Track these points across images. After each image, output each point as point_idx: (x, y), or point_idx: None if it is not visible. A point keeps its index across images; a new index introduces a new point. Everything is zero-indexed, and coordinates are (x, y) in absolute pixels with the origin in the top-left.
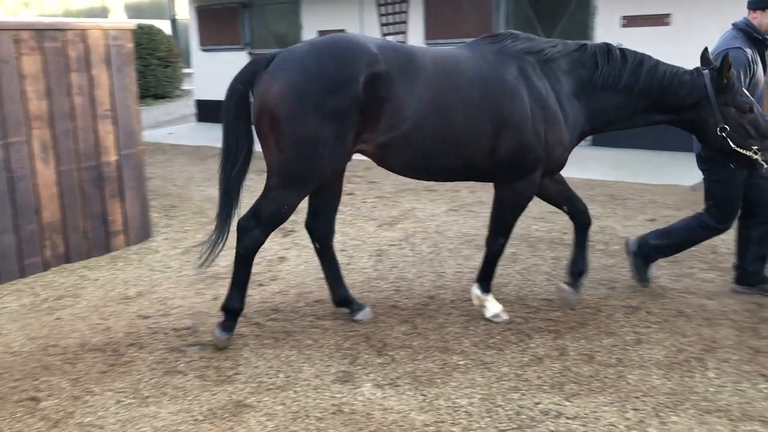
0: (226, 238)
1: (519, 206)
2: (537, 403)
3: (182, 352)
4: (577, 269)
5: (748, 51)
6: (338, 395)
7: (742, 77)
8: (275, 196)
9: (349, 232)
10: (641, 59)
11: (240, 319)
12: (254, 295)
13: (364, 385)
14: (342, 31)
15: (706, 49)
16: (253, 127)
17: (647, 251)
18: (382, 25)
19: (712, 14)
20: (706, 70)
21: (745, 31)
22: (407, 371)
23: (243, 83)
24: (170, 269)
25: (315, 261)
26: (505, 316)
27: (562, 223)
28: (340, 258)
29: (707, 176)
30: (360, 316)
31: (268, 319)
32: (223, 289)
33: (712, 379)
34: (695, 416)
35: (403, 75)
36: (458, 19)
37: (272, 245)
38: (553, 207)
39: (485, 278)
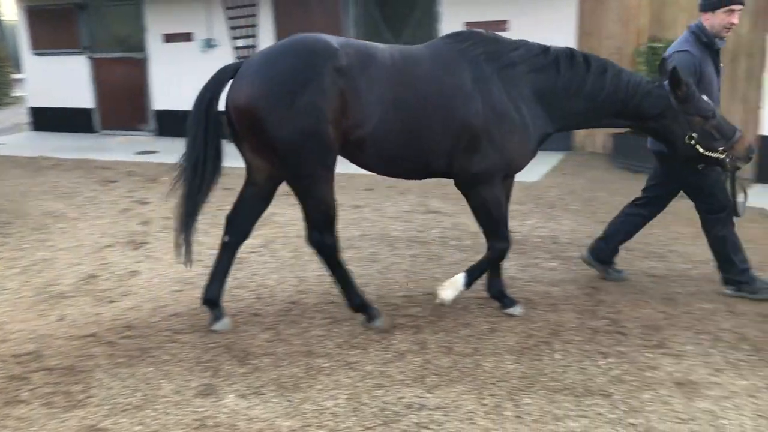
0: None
1: (493, 210)
2: (401, 398)
3: (25, 379)
4: (493, 292)
5: (696, 54)
6: (201, 409)
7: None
8: (309, 203)
9: (206, 242)
10: (605, 66)
11: (90, 339)
12: (104, 312)
13: (227, 397)
14: (189, 34)
15: (664, 59)
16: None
17: (733, 281)
18: (231, 28)
19: (546, 22)
20: (664, 83)
21: (696, 34)
22: (272, 378)
23: (211, 92)
24: (7, 291)
25: (170, 273)
26: (447, 303)
27: (417, 222)
28: (198, 269)
29: (680, 174)
30: (218, 326)
31: (121, 336)
32: (69, 309)
33: (558, 360)
34: (545, 396)
35: (365, 71)
36: (308, 22)
37: (122, 259)
38: (409, 206)
39: (475, 274)
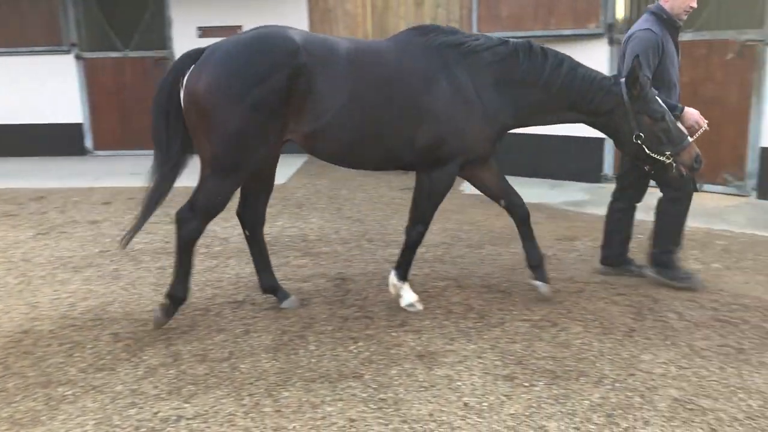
0: (144, 223)
1: (436, 194)
2: (156, 413)
3: None
4: (534, 262)
5: (658, 32)
6: None
7: (651, 58)
8: (209, 186)
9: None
10: (562, 59)
11: None
12: None
13: None
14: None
15: (627, 38)
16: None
17: (660, 261)
18: None
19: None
20: (622, 79)
21: (657, 14)
22: (3, 417)
23: (173, 78)
24: None
25: None
26: (419, 306)
27: (162, 233)
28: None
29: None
30: (286, 304)
31: None
32: None
33: (313, 351)
34: (303, 387)
35: (325, 67)
36: (23, 25)
37: None
38: (154, 218)
39: (402, 265)
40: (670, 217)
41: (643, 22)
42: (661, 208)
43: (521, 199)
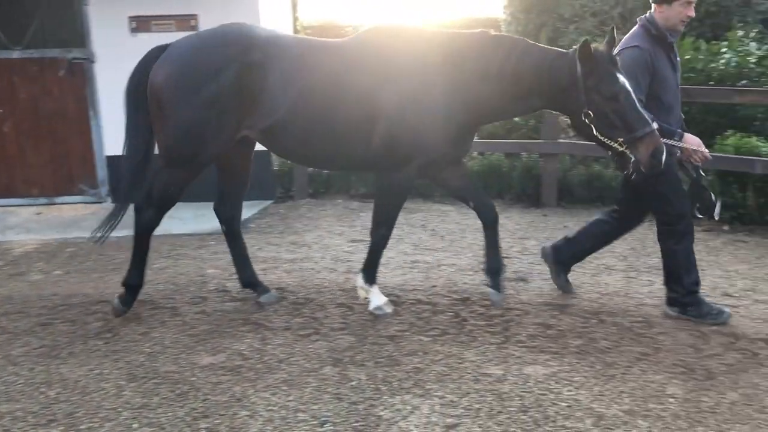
0: (122, 216)
1: (396, 196)
2: None
3: None
4: (492, 268)
5: (647, 48)
6: None
7: (639, 78)
8: (162, 176)
9: None
10: (514, 46)
11: None
12: None
13: None
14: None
15: (586, 40)
16: None
17: (681, 303)
18: None
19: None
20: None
21: (645, 28)
22: None
23: (141, 71)
24: None
25: None
26: (388, 309)
27: None
28: None
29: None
30: (264, 299)
31: None
32: None
33: None
34: None
35: (278, 64)
36: None
37: None
38: None
39: (368, 268)
40: (670, 254)
41: (631, 38)
42: (662, 247)
43: (491, 202)
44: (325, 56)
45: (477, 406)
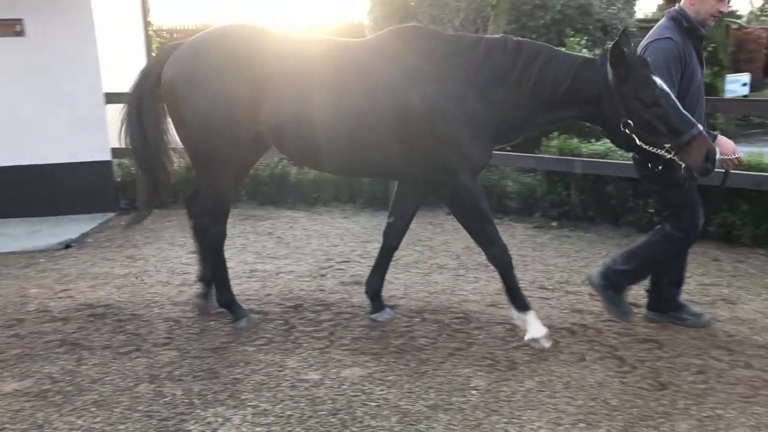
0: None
1: (474, 210)
2: None
3: None
4: (372, 290)
5: (679, 41)
6: None
7: (673, 72)
8: (205, 185)
9: None
10: (538, 52)
11: None
12: None
13: None
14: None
15: (617, 43)
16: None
17: (615, 280)
18: None
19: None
20: (606, 60)
21: (677, 20)
22: None
23: (154, 70)
24: None
25: None
26: (546, 344)
27: None
28: None
29: (655, 183)
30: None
31: None
32: None
33: None
34: None
35: (286, 61)
36: None
37: None
38: None
39: (511, 294)
40: (656, 251)
41: (662, 29)
42: (652, 238)
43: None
44: (347, 55)
45: (289, 412)
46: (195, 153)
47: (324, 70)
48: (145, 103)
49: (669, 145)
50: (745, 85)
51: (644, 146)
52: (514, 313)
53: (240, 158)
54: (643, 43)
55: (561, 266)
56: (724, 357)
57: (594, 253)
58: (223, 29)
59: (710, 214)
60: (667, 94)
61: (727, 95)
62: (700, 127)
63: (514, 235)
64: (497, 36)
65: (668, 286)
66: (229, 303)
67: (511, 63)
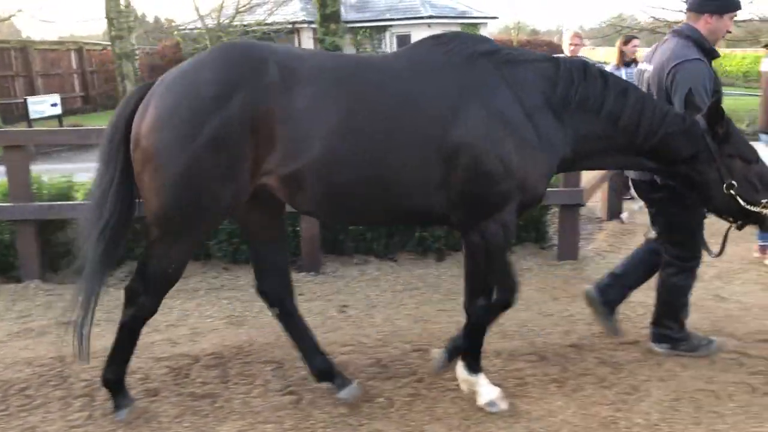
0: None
1: (496, 255)
2: None
3: None
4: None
5: (705, 62)
6: None
7: (705, 95)
8: (158, 253)
9: None
10: (626, 86)
11: None
12: None
13: None
14: None
15: (690, 90)
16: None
17: (661, 337)
18: None
19: None
20: (701, 117)
21: (696, 41)
22: None
23: (125, 115)
24: None
25: None
26: (503, 405)
27: None
28: None
29: (660, 203)
30: (344, 393)
31: None
32: None
33: None
34: None
35: (306, 89)
36: None
37: None
38: None
39: (471, 352)
40: (675, 289)
41: (684, 49)
42: (666, 282)
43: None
44: (379, 74)
45: None
46: (169, 218)
47: (361, 90)
48: (119, 159)
49: (765, 201)
50: None
51: (746, 206)
52: (462, 373)
53: (225, 219)
54: (671, 64)
55: None
56: None
57: None
58: (218, 47)
59: None
60: (755, 148)
61: None
62: None
63: None
64: (568, 57)
65: (623, 288)
66: (112, 383)
67: (600, 89)
